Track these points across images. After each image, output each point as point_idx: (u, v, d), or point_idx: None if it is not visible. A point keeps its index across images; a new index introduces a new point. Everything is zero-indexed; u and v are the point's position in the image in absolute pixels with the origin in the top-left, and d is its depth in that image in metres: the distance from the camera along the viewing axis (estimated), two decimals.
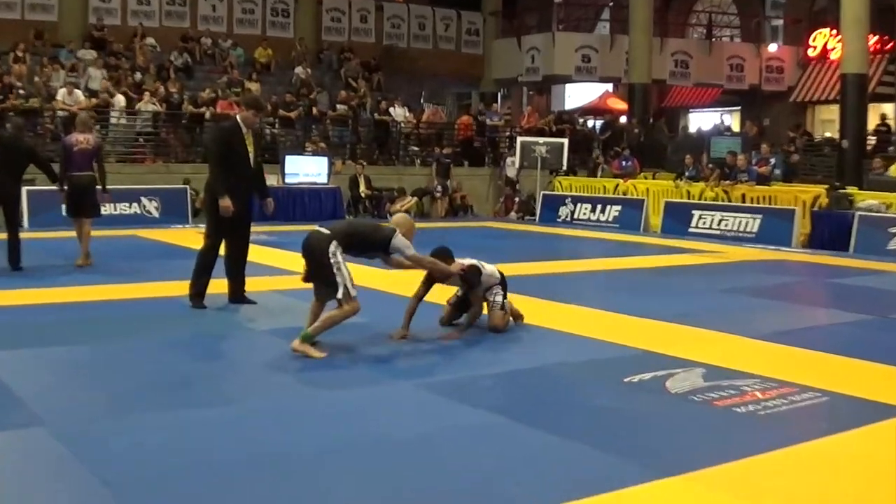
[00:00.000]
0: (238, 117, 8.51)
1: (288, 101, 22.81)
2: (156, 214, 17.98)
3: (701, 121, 31.87)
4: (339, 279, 6.63)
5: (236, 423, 5.14)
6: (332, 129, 23.61)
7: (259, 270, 10.80)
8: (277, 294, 9.45)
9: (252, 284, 9.05)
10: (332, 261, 6.62)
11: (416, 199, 21.65)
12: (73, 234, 11.45)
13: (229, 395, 5.74)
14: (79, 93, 19.69)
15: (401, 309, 7.57)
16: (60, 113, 19.07)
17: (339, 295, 6.64)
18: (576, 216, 20.82)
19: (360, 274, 7.55)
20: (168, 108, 20.98)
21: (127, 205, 17.62)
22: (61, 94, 19.51)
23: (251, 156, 8.52)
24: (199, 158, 18.97)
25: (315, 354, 6.60)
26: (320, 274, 6.76)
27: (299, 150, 21.48)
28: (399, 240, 6.95)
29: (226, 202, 8.24)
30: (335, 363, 6.60)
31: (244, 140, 8.43)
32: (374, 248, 6.96)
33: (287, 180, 20.00)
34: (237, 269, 8.76)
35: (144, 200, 18.00)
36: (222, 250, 8.65)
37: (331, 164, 20.73)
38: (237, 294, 8.76)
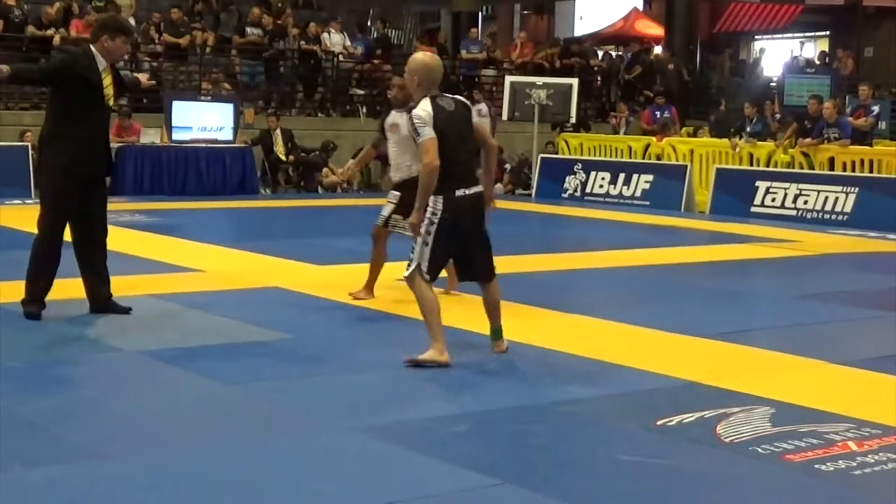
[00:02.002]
0: (93, 46, 8.48)
1: (175, 21, 22.67)
2: None
3: (770, 52, 32.00)
4: None
5: (93, 488, 5.07)
6: (241, 63, 23.50)
7: (131, 265, 10.71)
8: (155, 299, 9.39)
9: (119, 286, 8.97)
10: None
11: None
12: None
13: (87, 448, 5.66)
14: None
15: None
16: None
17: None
18: (589, 189, 20.87)
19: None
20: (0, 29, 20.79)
21: None
22: None
23: (109, 101, 8.58)
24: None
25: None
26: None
27: (192, 94, 21.35)
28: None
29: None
30: (231, 400, 6.56)
31: (101, 78, 8.41)
32: None
33: (175, 136, 19.90)
34: (95, 263, 8.68)
35: None
36: (67, 235, 8.60)
37: (238, 114, 20.64)
38: (101, 298, 8.69)
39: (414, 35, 30.05)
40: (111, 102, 8.68)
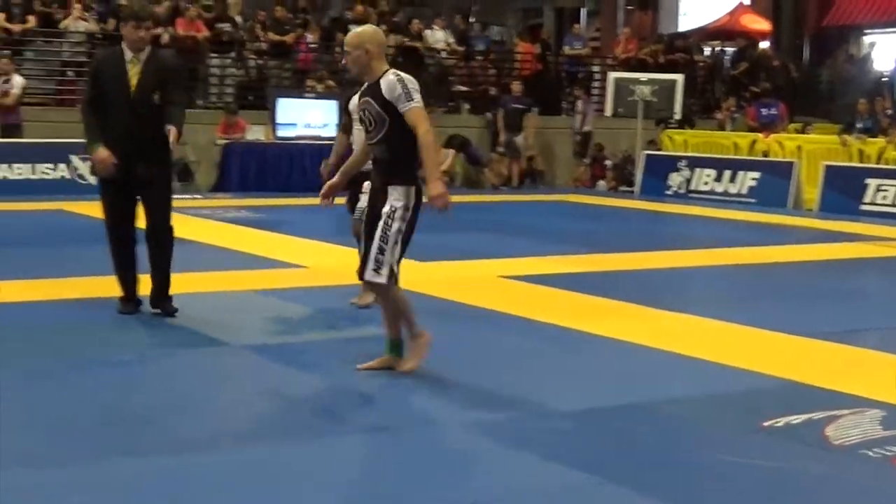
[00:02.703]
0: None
1: (280, 19, 22.88)
2: (92, 180, 18.13)
3: (882, 46, 31.39)
4: None
5: (199, 480, 5.15)
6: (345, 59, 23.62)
7: (236, 261, 10.84)
8: (259, 294, 9.47)
9: (224, 281, 9.07)
10: None
11: (454, 152, 21.62)
12: None
13: (194, 441, 5.74)
14: None
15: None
16: None
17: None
18: (693, 186, 20.70)
19: None
20: (108, 28, 21.14)
21: (51, 166, 17.83)
22: None
23: (134, 91, 8.28)
24: None
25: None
26: None
27: (297, 91, 21.53)
28: None
29: (101, 153, 8.21)
30: (333, 396, 6.62)
31: (125, 70, 8.28)
32: None
33: (280, 133, 20.10)
34: (151, 258, 8.58)
35: (76, 160, 18.09)
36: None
37: (342, 112, 20.73)
38: (154, 295, 8.66)
39: (514, 31, 29.99)
40: (132, 91, 8.25)
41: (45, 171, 17.64)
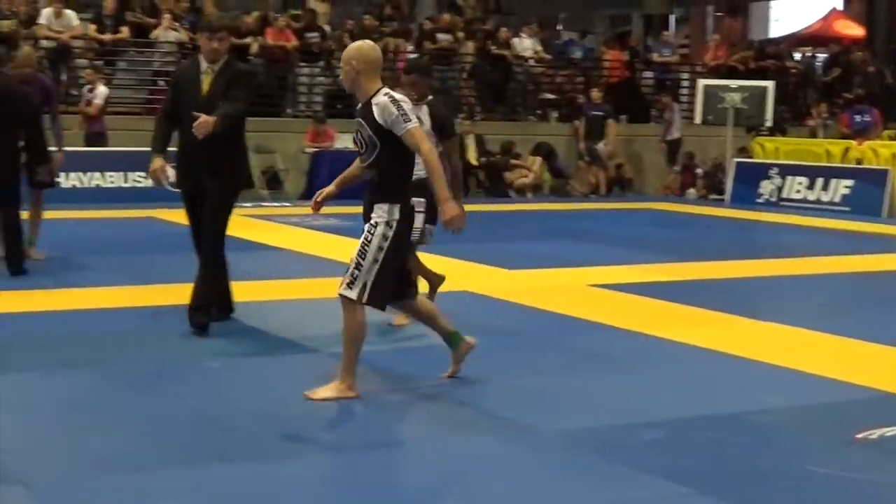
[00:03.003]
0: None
1: (367, 27, 23.01)
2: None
3: None
4: None
5: (283, 487, 5.19)
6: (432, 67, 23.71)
7: (324, 268, 10.90)
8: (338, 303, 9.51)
9: (313, 288, 9.12)
10: None
11: (540, 159, 21.60)
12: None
13: (278, 447, 5.79)
14: (71, 15, 20.19)
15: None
16: (45, 43, 19.60)
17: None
18: (785, 194, 20.49)
19: None
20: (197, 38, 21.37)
21: (142, 174, 18.00)
22: (45, 15, 20.04)
23: (207, 101, 8.15)
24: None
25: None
26: None
27: None
28: None
29: (153, 164, 8.29)
30: (421, 403, 6.63)
31: (198, 80, 8.26)
32: None
33: None
34: (201, 267, 8.46)
35: (168, 168, 18.30)
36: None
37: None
38: (191, 303, 8.41)
39: (604, 38, 29.93)
40: (202, 100, 8.13)
41: (137, 179, 17.87)
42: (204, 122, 7.73)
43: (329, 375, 6.75)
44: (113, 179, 18.16)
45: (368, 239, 6.52)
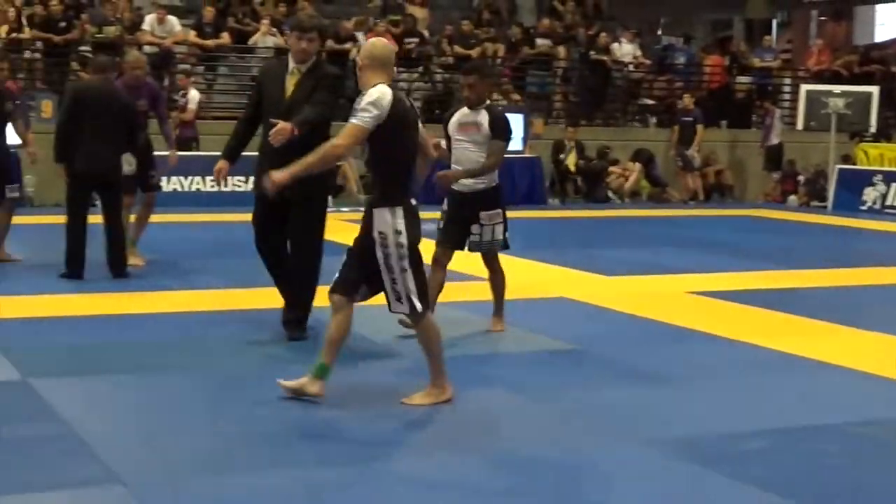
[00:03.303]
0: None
1: (465, 33, 23.04)
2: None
3: None
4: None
5: (385, 489, 5.20)
6: (530, 73, 23.70)
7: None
8: (444, 307, 9.52)
9: None
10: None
11: (640, 166, 21.48)
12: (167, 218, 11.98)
13: (376, 450, 5.82)
14: (173, 21, 20.50)
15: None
16: (148, 49, 19.89)
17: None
18: (889, 202, 20.17)
19: None
20: None
21: (242, 179, 18.22)
22: (149, 21, 20.36)
23: (291, 103, 7.95)
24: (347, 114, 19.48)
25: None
26: None
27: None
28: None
29: (218, 164, 8.28)
30: (523, 406, 6.61)
31: (282, 81, 8.09)
32: None
33: None
34: (291, 281, 8.33)
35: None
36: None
37: (527, 125, 20.80)
38: (286, 314, 8.40)
39: (704, 43, 29.67)
40: (286, 102, 7.97)
41: (237, 183, 18.05)
42: (281, 129, 7.42)
43: (421, 381, 6.76)
44: (213, 183, 18.38)
45: (386, 253, 6.39)
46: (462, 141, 8.43)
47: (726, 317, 9.58)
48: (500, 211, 8.44)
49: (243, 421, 6.26)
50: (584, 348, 8.22)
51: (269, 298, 8.98)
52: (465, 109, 8.49)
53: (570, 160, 21.02)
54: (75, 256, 10.55)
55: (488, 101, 8.40)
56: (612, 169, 21.35)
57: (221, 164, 8.27)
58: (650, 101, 24.21)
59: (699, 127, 21.66)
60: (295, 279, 8.28)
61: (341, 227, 12.51)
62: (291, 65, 8.11)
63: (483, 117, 8.25)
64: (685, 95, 22.52)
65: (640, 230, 17.23)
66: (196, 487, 5.16)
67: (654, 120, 23.73)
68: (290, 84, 8.04)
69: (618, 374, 7.54)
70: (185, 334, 8.50)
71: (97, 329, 8.61)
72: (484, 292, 8.97)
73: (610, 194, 21.23)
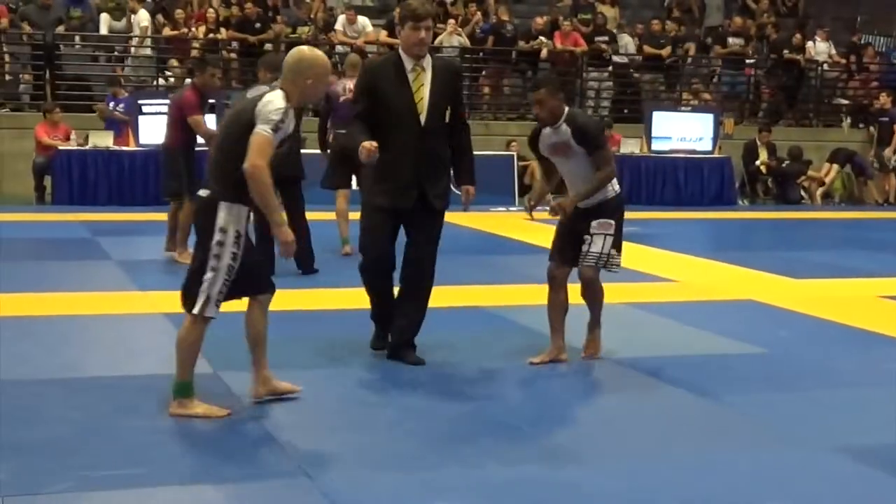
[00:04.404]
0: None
1: (654, 33, 22.84)
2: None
3: None
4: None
5: (563, 490, 5.23)
6: (722, 72, 23.40)
7: (610, 274, 10.93)
8: (630, 308, 9.52)
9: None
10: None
11: (837, 167, 21.02)
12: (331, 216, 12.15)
13: (560, 451, 5.84)
14: (364, 21, 20.79)
15: None
16: (340, 49, 20.24)
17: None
18: None
19: None
20: (481, 42, 21.62)
21: None
22: (340, 22, 20.68)
23: (421, 105, 7.21)
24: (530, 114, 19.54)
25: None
26: None
27: (672, 105, 21.47)
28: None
29: (367, 144, 6.99)
30: (708, 410, 6.59)
31: (406, 80, 7.21)
32: None
33: (654, 147, 20.05)
34: (404, 300, 7.60)
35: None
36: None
37: (718, 125, 20.56)
38: (395, 340, 7.65)
39: None
40: (421, 107, 7.20)
41: None
42: (468, 195, 7.35)
43: (610, 381, 6.77)
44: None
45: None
46: (562, 162, 7.60)
47: None
48: (611, 222, 7.55)
49: (427, 417, 6.34)
50: (772, 352, 8.11)
51: (468, 296, 8.99)
52: (546, 130, 7.54)
53: (762, 161, 20.71)
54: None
55: (566, 110, 7.47)
56: (810, 173, 20.93)
57: (370, 145, 6.96)
58: (844, 101, 23.66)
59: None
60: (412, 297, 7.55)
61: (534, 228, 12.58)
62: (409, 63, 7.22)
63: (565, 133, 7.40)
64: (882, 94, 21.96)
65: (832, 232, 16.89)
66: (377, 483, 5.24)
67: (847, 120, 23.18)
68: (417, 85, 7.20)
69: (804, 379, 7.43)
70: (367, 330, 8.54)
71: (284, 324, 8.76)
72: (668, 293, 8.92)
73: (802, 194, 20.85)
